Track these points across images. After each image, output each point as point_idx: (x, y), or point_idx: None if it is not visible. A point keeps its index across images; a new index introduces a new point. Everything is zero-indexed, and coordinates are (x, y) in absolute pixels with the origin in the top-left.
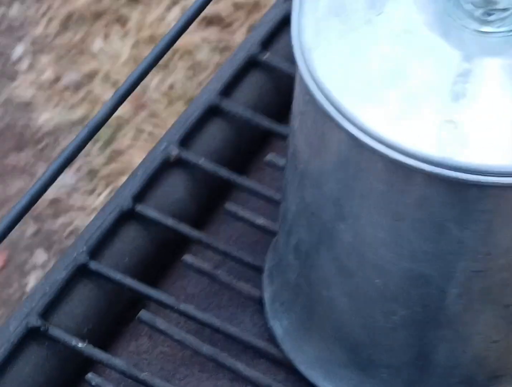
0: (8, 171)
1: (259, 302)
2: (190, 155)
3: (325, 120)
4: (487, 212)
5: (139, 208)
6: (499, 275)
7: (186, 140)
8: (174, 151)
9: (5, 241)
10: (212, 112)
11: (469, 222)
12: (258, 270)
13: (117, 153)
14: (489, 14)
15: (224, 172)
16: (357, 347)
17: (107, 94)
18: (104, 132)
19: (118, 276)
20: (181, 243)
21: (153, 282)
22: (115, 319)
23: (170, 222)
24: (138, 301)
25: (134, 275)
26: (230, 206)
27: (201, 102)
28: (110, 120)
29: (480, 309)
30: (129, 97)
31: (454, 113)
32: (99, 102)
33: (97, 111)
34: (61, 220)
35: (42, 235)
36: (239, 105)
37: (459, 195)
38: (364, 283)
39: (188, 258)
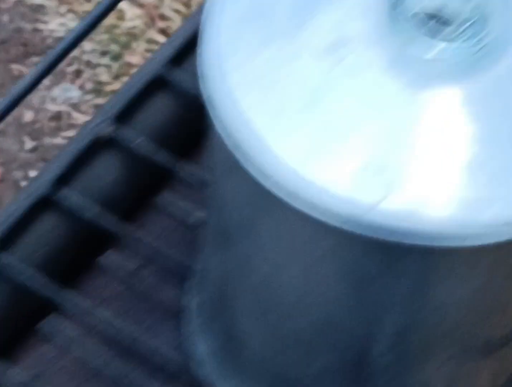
0: (12, 79)
1: (184, 312)
2: (127, 134)
3: (228, 154)
4: (412, 271)
5: (61, 193)
6: (436, 330)
7: (124, 116)
8: (109, 128)
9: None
10: (158, 85)
11: (394, 278)
12: (184, 275)
13: (126, 69)
14: (441, 28)
15: (163, 156)
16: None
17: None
18: (113, 47)
19: (28, 272)
20: (105, 237)
21: (68, 281)
22: (22, 321)
23: (94, 212)
24: (50, 302)
25: (47, 271)
26: (166, 196)
27: (146, 72)
28: (120, 34)
29: (411, 365)
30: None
31: (382, 155)
32: None
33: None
34: (62, 135)
35: (41, 150)
36: (191, 77)
37: (382, 251)
38: (281, 324)
39: (109, 255)
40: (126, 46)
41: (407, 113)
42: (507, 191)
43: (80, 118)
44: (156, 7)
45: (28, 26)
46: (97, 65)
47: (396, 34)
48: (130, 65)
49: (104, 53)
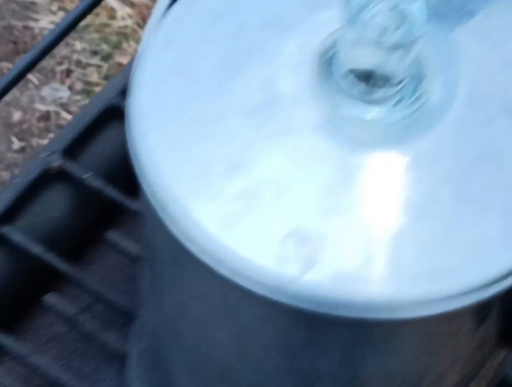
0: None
1: (127, 358)
2: (75, 168)
3: (153, 213)
4: (341, 341)
5: (4, 229)
6: None
7: (73, 148)
8: (57, 162)
9: None
10: (110, 115)
11: (321, 347)
12: (131, 317)
13: (117, 69)
14: (376, 88)
15: (112, 192)
16: None
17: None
18: (104, 46)
19: None
20: (49, 276)
21: (8, 323)
22: None
23: (38, 249)
24: None
25: None
26: (113, 234)
27: (98, 102)
28: (111, 33)
29: None
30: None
31: (309, 223)
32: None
33: None
34: (50, 136)
35: (29, 151)
36: None
37: (307, 321)
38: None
39: (50, 297)
40: (116, 46)
41: (338, 178)
42: (435, 266)
43: (69, 118)
44: (148, 6)
45: (18, 23)
46: (87, 65)
47: (329, 93)
48: (120, 65)
49: (94, 53)
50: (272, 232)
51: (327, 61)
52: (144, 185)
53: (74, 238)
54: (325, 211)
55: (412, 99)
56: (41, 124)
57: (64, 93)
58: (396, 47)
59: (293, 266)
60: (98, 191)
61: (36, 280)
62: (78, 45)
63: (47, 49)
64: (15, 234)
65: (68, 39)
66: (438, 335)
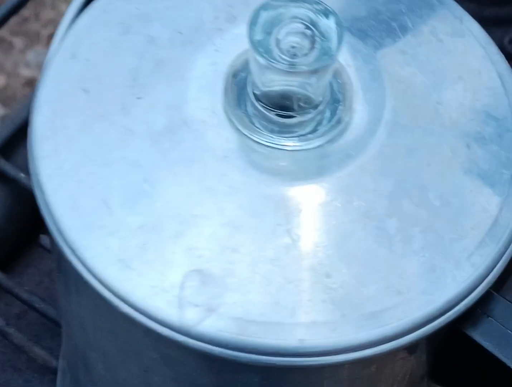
0: None
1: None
2: (9, 168)
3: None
4: (250, 385)
5: None
6: None
7: (8, 148)
8: None
9: None
10: None
11: None
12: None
13: None
14: (289, 116)
15: None
16: None
17: None
18: None
19: None
20: None
21: None
22: None
23: None
24: None
25: None
26: (47, 239)
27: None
28: None
29: None
30: None
31: (209, 260)
32: None
33: None
34: None
35: None
36: None
37: (212, 363)
38: None
39: None
40: None
41: (247, 211)
42: (348, 310)
43: None
44: None
45: None
46: None
47: (240, 118)
48: None
49: None
50: (172, 271)
51: (240, 82)
52: (44, 212)
53: (6, 241)
54: (231, 248)
55: (329, 125)
56: (26, 90)
57: None
58: (309, 71)
59: (193, 309)
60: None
61: None
62: (65, 7)
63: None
64: None
65: (54, 1)
66: (350, 379)
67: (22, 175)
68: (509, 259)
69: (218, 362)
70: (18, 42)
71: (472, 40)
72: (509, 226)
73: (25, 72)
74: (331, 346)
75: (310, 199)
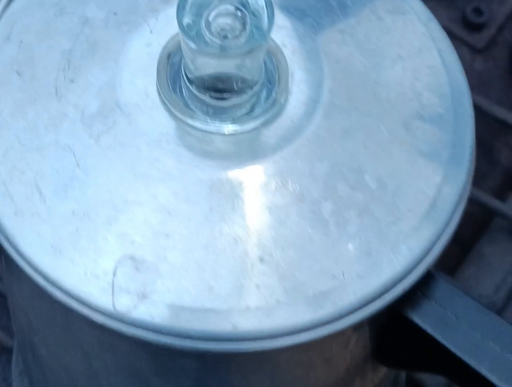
0: None
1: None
2: None
3: None
4: (190, 371)
5: None
6: None
7: None
8: None
9: None
10: None
11: (171, 376)
12: None
13: None
14: (224, 98)
15: None
16: None
17: None
18: None
19: None
20: None
21: None
22: None
23: None
24: None
25: None
26: None
27: None
28: None
29: None
30: None
31: (142, 246)
32: None
33: None
34: None
35: None
36: None
37: (150, 349)
38: None
39: None
40: None
41: (179, 196)
42: (283, 294)
43: None
44: None
45: None
46: None
47: (174, 102)
48: None
49: None
50: (104, 258)
51: (174, 64)
52: None
53: None
54: (164, 234)
55: (265, 107)
56: None
57: None
58: (241, 54)
59: (126, 296)
60: None
61: None
62: None
63: None
64: None
65: None
66: (290, 366)
67: None
68: (447, 241)
69: (153, 348)
70: None
71: (413, 17)
72: (446, 207)
73: None
74: (266, 332)
75: (244, 183)
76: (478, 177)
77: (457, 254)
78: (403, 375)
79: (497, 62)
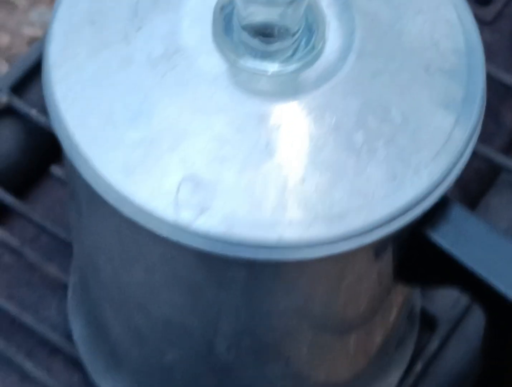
0: None
1: (66, 288)
2: (22, 105)
3: (67, 159)
4: (239, 280)
5: None
6: (270, 335)
7: (19, 86)
8: (4, 98)
9: None
10: None
11: (222, 285)
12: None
13: None
14: (271, 43)
15: None
16: (139, 373)
17: None
18: None
19: None
20: None
21: None
22: None
23: None
24: None
25: None
26: (57, 168)
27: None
28: None
29: (255, 363)
30: None
31: (202, 168)
32: None
33: None
34: None
35: None
36: None
37: (205, 261)
38: (131, 319)
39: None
40: None
41: (233, 127)
42: (322, 210)
43: None
44: None
45: None
46: None
47: (227, 46)
48: None
49: None
50: (169, 178)
51: (227, 14)
52: (58, 130)
53: (20, 172)
54: (219, 159)
55: (305, 52)
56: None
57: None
58: (285, 3)
59: (188, 210)
60: (44, 127)
61: None
62: None
63: None
64: None
65: None
66: (326, 276)
67: (34, 111)
68: (461, 169)
69: (209, 258)
70: (21, 2)
71: None
72: (460, 141)
73: (29, 32)
74: (306, 242)
75: (288, 115)
76: (486, 137)
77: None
78: (417, 308)
79: (503, 34)
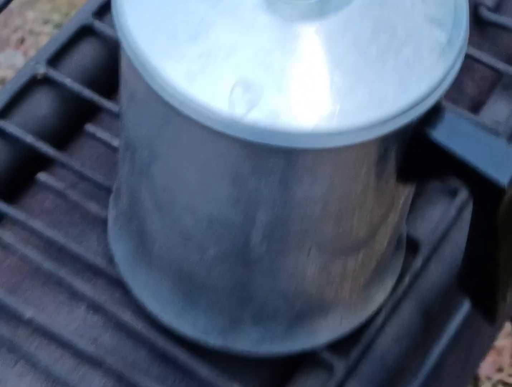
0: None
1: (106, 223)
2: (57, 75)
3: (132, 71)
4: (277, 169)
5: (1, 123)
6: (298, 223)
7: (55, 59)
8: (42, 70)
9: None
10: (84, 33)
11: (263, 175)
12: (109, 191)
13: None
14: None
15: (88, 93)
16: (180, 276)
17: None
18: (55, 16)
19: None
20: (40, 161)
21: (9, 197)
22: None
23: (29, 139)
24: None
25: None
26: (90, 127)
27: (74, 22)
28: (61, 4)
29: (283, 253)
30: None
31: (250, 74)
32: None
33: None
34: None
35: None
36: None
37: (251, 151)
38: (178, 222)
39: (42, 176)
40: (67, 15)
41: (273, 43)
42: (346, 106)
43: None
44: None
45: None
46: (40, 33)
47: None
48: None
49: (46, 22)
50: (224, 82)
51: None
52: (128, 51)
53: (58, 132)
54: (264, 66)
55: None
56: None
57: (19, 59)
58: None
59: (240, 107)
60: (78, 94)
61: (29, 164)
62: (31, 15)
63: None
64: (11, 127)
65: (21, 10)
66: (349, 164)
67: (68, 80)
68: (455, 76)
69: (254, 149)
70: None
71: None
72: (452, 54)
73: None
74: (335, 131)
75: (316, 34)
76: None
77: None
78: (404, 234)
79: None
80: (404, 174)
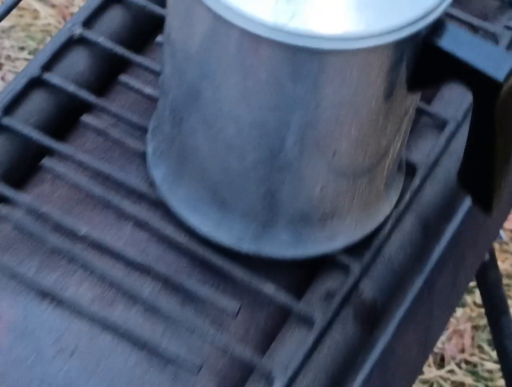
0: None
1: (144, 156)
2: (92, 35)
3: None
4: (312, 72)
5: (46, 76)
6: (326, 126)
7: (89, 21)
8: (78, 30)
9: None
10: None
11: (299, 78)
12: (145, 130)
13: None
14: None
15: (120, 50)
16: (218, 187)
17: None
18: (30, 43)
19: (26, 130)
20: (82, 107)
21: (58, 138)
22: (27, 162)
23: (72, 88)
24: (45, 152)
25: (44, 130)
26: (124, 78)
27: None
28: (36, 30)
29: (311, 156)
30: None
31: None
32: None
33: None
34: None
35: None
36: None
37: (291, 56)
38: (221, 132)
39: (86, 118)
40: (42, 42)
41: None
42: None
43: None
44: (67, 6)
45: None
46: (17, 58)
47: None
48: None
49: (22, 49)
50: None
51: None
52: None
53: (95, 83)
54: None
55: None
56: None
57: None
58: None
59: (283, 15)
60: (110, 50)
61: (72, 109)
62: (7, 43)
63: None
64: (55, 78)
65: None
66: (372, 68)
67: (101, 39)
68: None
69: (294, 53)
70: None
71: None
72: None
73: None
74: (362, 34)
75: None
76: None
77: None
78: (404, 159)
79: None
80: (414, 82)
